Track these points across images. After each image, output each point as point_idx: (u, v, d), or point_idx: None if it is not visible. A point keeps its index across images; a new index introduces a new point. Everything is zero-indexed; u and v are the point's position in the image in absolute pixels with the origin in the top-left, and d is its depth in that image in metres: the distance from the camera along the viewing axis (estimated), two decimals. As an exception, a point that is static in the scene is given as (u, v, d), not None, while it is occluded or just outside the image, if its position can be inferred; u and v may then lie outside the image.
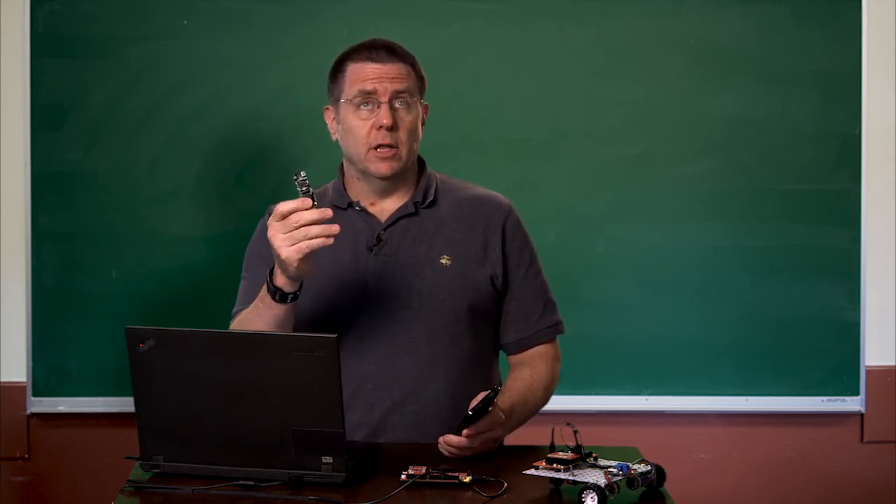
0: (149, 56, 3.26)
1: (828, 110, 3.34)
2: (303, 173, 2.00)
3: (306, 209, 1.99)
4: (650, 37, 3.32)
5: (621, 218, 3.33)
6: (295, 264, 2.01)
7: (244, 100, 3.28)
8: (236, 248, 2.44)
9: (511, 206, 2.35)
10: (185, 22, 3.26)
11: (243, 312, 2.23)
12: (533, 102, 3.32)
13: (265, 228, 2.07)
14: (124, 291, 3.26)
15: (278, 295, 2.09)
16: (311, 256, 2.01)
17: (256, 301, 2.15)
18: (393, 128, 2.20)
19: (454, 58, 3.26)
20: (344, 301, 2.24)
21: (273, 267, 2.08)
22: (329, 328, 2.21)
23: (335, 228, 2.01)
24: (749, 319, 3.35)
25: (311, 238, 1.99)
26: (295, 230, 1.99)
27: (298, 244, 1.99)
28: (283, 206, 2.00)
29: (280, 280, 2.08)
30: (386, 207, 2.30)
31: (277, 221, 2.01)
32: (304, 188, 2.00)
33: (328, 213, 2.00)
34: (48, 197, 3.26)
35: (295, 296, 2.10)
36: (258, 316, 2.13)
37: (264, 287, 2.12)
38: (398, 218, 2.28)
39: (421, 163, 2.35)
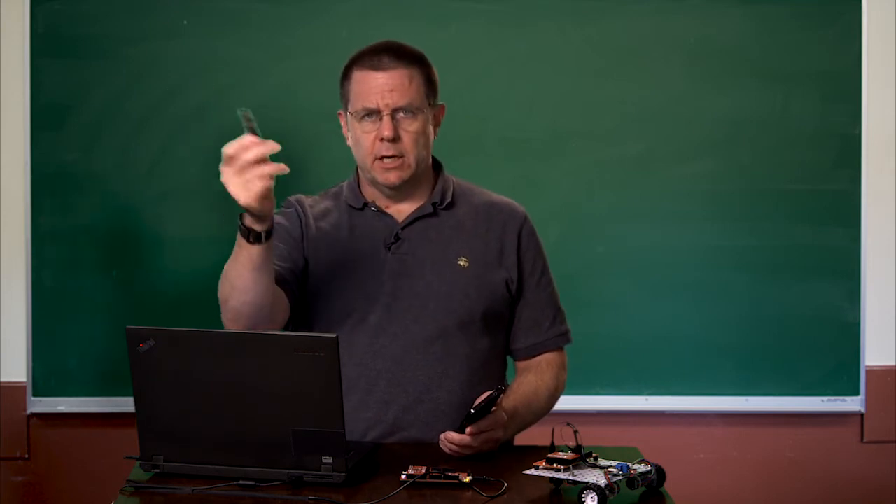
0: (149, 56, 3.26)
1: (828, 110, 3.34)
2: (249, 112, 1.94)
3: (251, 145, 1.93)
4: (650, 37, 3.32)
5: (621, 218, 3.33)
6: (255, 205, 1.94)
7: (244, 100, 3.26)
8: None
9: (526, 213, 2.36)
10: (185, 22, 3.26)
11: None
12: (533, 102, 3.31)
13: (282, 215, 2.25)
14: (124, 291, 3.26)
15: (251, 235, 2.02)
16: (270, 191, 1.95)
17: (235, 247, 2.07)
18: (396, 139, 2.21)
19: (454, 58, 3.26)
20: (360, 298, 2.24)
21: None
22: (344, 325, 2.22)
23: (284, 167, 1.96)
24: (749, 319, 3.35)
25: (264, 175, 1.93)
26: (246, 171, 1.92)
27: (254, 187, 1.93)
28: (228, 149, 1.93)
29: (248, 220, 2.01)
30: (402, 209, 2.30)
31: (225, 166, 1.94)
32: (247, 123, 1.93)
33: (275, 146, 1.94)
34: (48, 197, 3.26)
35: (268, 234, 2.03)
36: (235, 259, 2.07)
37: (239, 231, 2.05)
38: (416, 218, 2.28)
39: (438, 165, 2.35)
